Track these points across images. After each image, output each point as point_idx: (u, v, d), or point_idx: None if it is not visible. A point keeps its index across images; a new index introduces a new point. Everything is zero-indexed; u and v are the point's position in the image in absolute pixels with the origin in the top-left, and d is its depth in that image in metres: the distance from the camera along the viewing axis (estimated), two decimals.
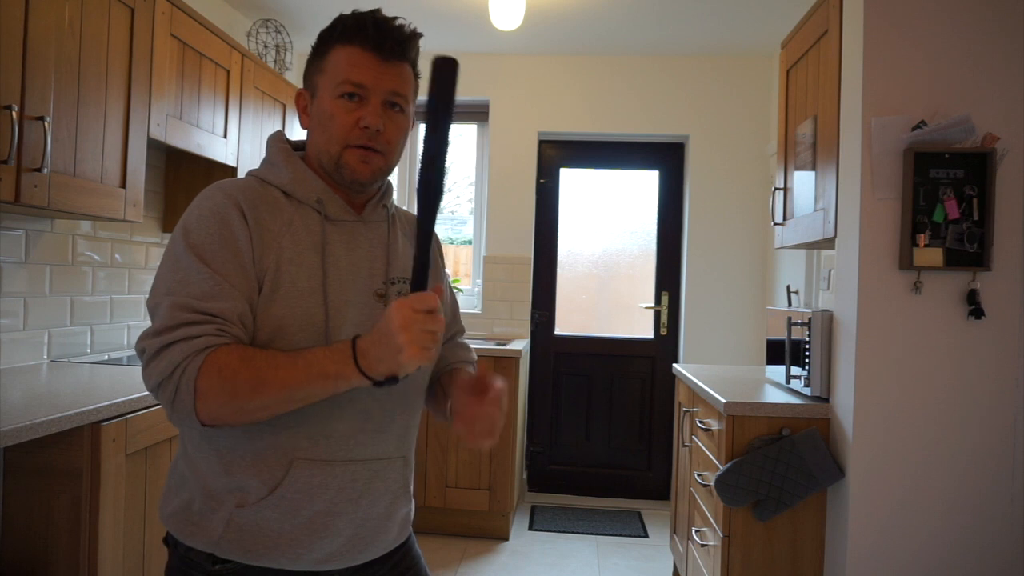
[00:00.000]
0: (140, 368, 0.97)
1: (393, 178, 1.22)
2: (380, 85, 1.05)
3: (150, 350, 0.93)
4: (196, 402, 0.91)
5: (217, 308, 0.95)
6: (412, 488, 1.18)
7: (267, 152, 1.13)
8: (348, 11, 1.08)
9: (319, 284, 1.03)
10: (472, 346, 1.37)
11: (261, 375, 0.92)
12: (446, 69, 0.92)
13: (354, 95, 1.04)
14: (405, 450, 1.14)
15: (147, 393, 1.87)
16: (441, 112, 0.92)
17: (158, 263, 2.89)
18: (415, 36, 1.08)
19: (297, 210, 1.06)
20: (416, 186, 0.94)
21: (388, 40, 1.04)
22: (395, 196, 1.25)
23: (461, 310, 3.04)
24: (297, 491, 1.01)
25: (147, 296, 1.01)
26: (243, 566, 1.01)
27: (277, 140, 1.13)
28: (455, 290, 1.29)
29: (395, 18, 1.06)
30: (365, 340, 0.91)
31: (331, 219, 1.08)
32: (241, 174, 2.92)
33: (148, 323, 0.98)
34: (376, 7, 1.08)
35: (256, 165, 3.36)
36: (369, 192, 1.14)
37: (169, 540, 1.08)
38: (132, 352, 2.73)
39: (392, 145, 1.08)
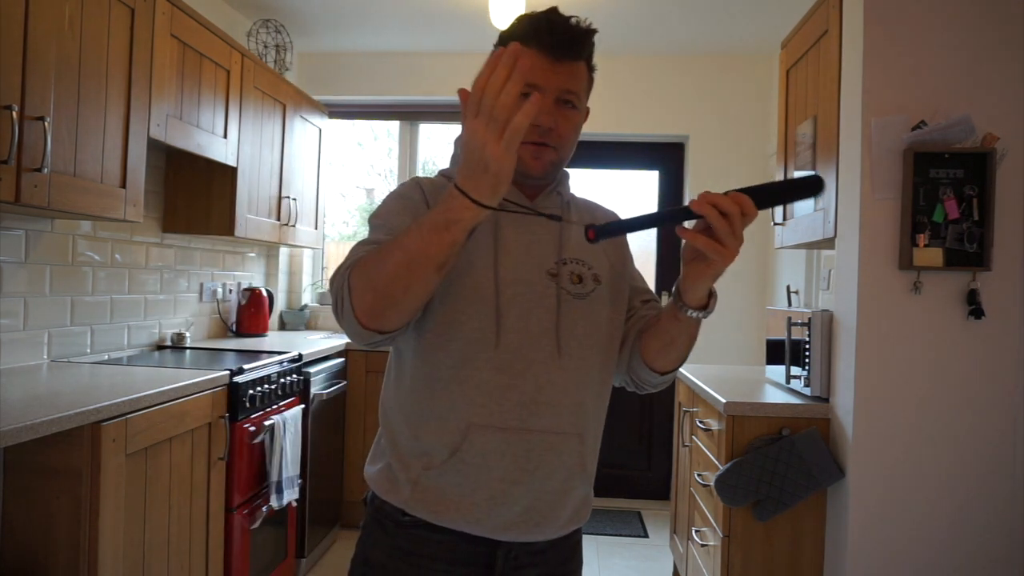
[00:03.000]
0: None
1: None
2: (552, 84, 1.07)
3: (334, 286, 1.01)
4: (352, 300, 0.96)
5: (385, 238, 1.02)
6: (592, 471, 1.19)
7: (454, 149, 1.20)
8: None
9: (491, 261, 1.08)
10: None
11: (384, 249, 0.95)
12: (810, 189, 0.99)
13: (527, 95, 1.04)
14: (581, 428, 1.14)
15: (147, 393, 1.88)
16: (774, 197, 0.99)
17: (158, 263, 2.91)
18: (589, 33, 1.10)
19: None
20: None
21: (561, 41, 1.07)
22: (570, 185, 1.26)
23: None
24: (475, 455, 1.06)
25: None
26: (430, 524, 1.08)
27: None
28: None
29: (570, 17, 1.09)
30: (457, 176, 0.87)
31: (504, 207, 1.11)
32: (241, 174, 2.93)
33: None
34: (552, 6, 1.11)
35: (255, 165, 3.36)
36: (544, 184, 1.18)
37: (367, 499, 1.17)
38: (132, 352, 2.73)
39: (564, 140, 1.11)
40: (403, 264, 0.91)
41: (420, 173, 4.29)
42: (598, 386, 1.17)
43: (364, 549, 1.15)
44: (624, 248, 1.33)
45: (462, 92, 0.94)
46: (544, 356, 1.09)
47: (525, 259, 1.11)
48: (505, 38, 1.11)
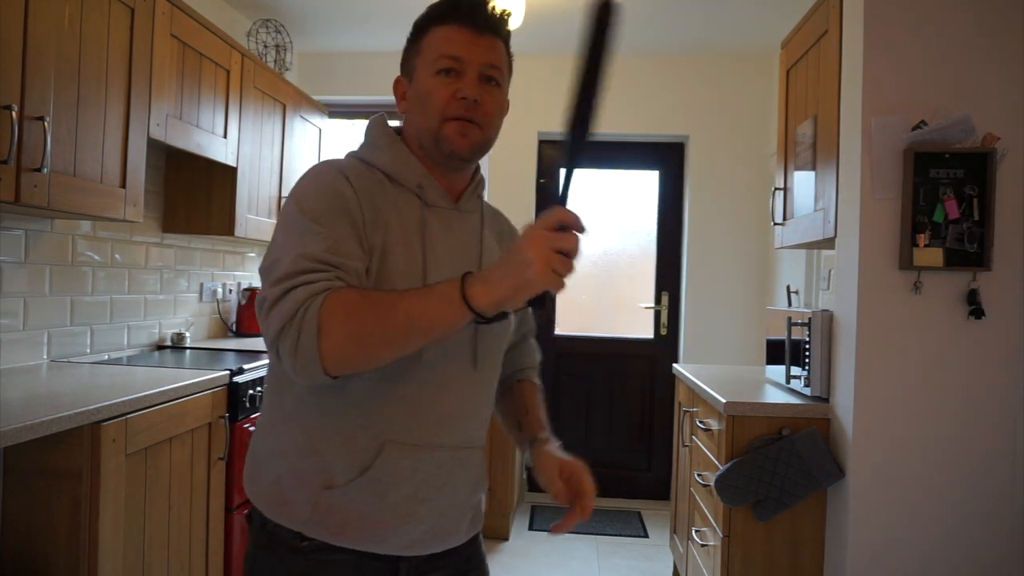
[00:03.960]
0: (262, 324, 0.94)
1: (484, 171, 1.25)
2: (476, 58, 1.06)
3: (271, 297, 0.92)
4: (320, 341, 0.88)
5: (336, 260, 0.95)
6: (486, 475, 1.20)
7: (368, 135, 1.14)
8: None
9: (419, 268, 1.04)
10: None
11: (384, 304, 0.91)
12: (604, 13, 0.88)
13: (451, 70, 1.06)
14: (484, 438, 1.16)
15: (147, 393, 1.87)
16: (600, 48, 0.88)
17: (158, 263, 2.91)
18: (506, 13, 1.11)
19: (399, 193, 1.08)
20: (573, 105, 0.89)
21: (481, 14, 1.07)
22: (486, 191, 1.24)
23: None
24: (386, 474, 1.01)
25: (260, 262, 1.01)
26: (330, 545, 1.02)
27: (381, 123, 1.14)
28: None
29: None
30: (489, 267, 0.90)
31: (430, 205, 1.09)
32: (241, 174, 2.93)
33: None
34: None
35: (255, 165, 3.35)
36: (465, 178, 1.15)
37: (254, 517, 1.08)
38: (132, 352, 2.73)
39: (490, 118, 1.08)
40: (403, 327, 0.90)
41: None
42: (493, 396, 1.19)
43: None
44: None
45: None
46: (462, 370, 1.08)
47: (449, 268, 1.06)
48: (422, 21, 1.10)
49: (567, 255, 0.86)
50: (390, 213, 1.04)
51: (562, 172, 0.93)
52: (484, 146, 1.10)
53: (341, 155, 1.14)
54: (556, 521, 1.12)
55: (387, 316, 0.90)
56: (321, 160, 1.10)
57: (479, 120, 1.07)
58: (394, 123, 1.17)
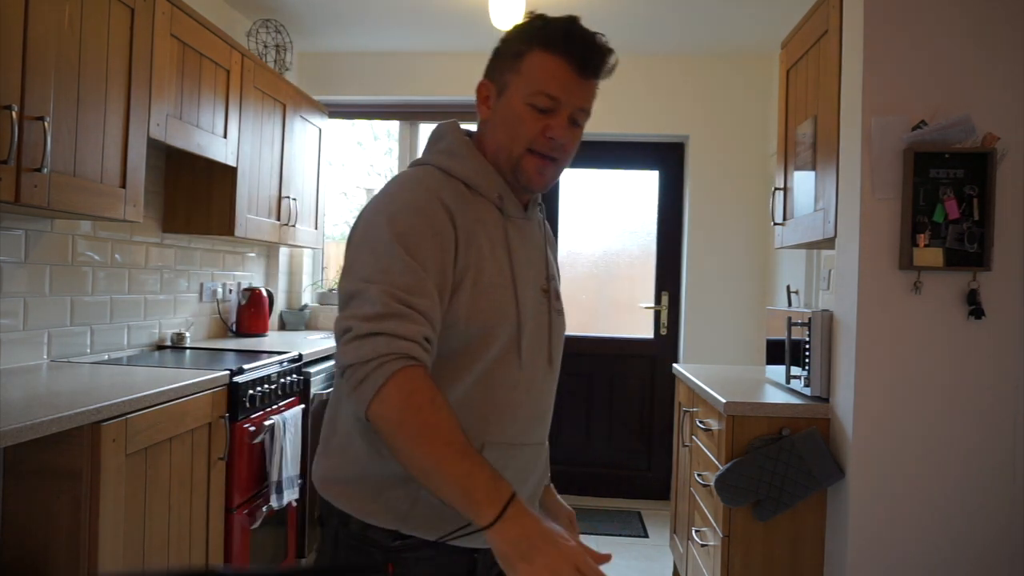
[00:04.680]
0: (336, 340, 0.96)
1: None
2: (572, 101, 1.06)
3: (358, 331, 0.92)
4: (372, 401, 0.90)
5: (423, 305, 0.95)
6: None
7: (443, 141, 1.13)
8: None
9: (509, 279, 1.06)
10: None
11: (432, 439, 0.89)
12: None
13: (546, 109, 1.05)
14: (546, 435, 1.20)
15: (147, 393, 1.87)
16: None
17: (158, 263, 2.91)
18: (611, 53, 1.08)
19: (480, 204, 1.08)
20: None
21: (592, 58, 1.05)
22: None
23: None
24: None
25: (339, 281, 1.01)
26: (423, 541, 1.03)
27: (457, 130, 1.14)
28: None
29: (597, 33, 1.07)
30: (526, 517, 0.87)
31: (508, 216, 1.10)
32: (241, 174, 2.93)
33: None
34: (572, 15, 1.07)
35: (255, 165, 3.34)
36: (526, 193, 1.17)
37: (333, 517, 1.08)
38: (132, 352, 2.73)
39: (568, 157, 1.10)
40: (422, 467, 0.90)
41: None
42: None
43: None
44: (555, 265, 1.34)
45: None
46: (542, 372, 1.12)
47: (527, 274, 1.10)
48: (529, 38, 1.06)
49: None
50: (478, 229, 1.05)
51: None
52: (555, 180, 1.13)
53: (402, 160, 1.14)
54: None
55: (424, 447, 0.89)
56: (408, 172, 1.08)
57: (560, 158, 1.08)
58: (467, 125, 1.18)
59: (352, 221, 1.23)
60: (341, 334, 0.95)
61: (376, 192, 1.09)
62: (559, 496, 1.32)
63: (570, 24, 1.06)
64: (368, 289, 0.94)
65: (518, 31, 1.09)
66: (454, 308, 1.01)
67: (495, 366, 1.04)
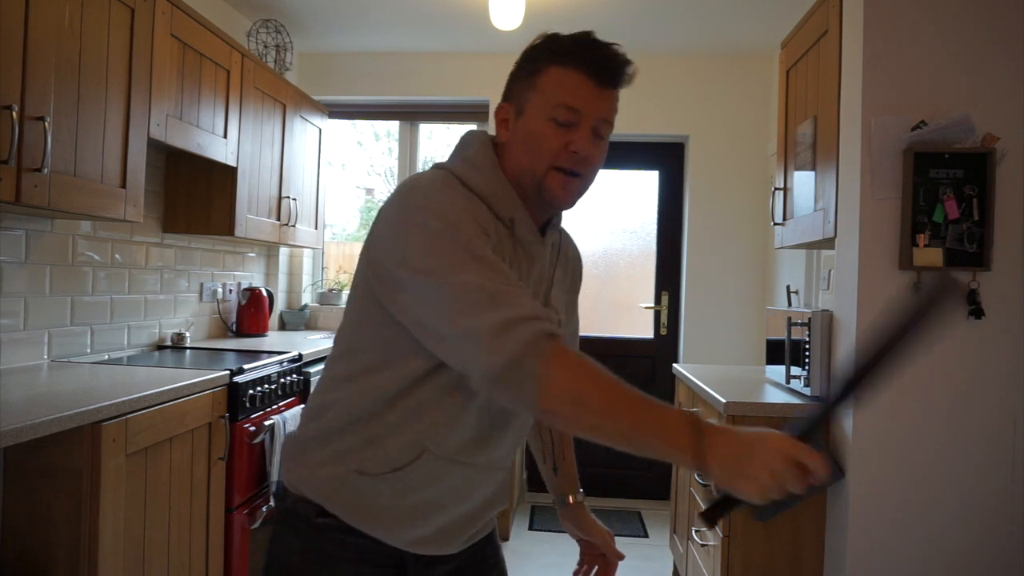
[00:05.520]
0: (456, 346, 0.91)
1: None
2: (593, 112, 1.03)
3: (479, 329, 0.87)
4: (538, 392, 0.87)
5: (512, 278, 0.94)
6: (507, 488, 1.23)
7: (468, 149, 1.11)
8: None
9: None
10: None
11: (617, 399, 0.87)
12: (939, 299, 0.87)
13: (568, 123, 1.03)
14: (513, 458, 1.19)
15: (147, 393, 1.87)
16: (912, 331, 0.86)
17: (158, 263, 2.91)
18: (630, 63, 1.07)
19: (494, 223, 1.05)
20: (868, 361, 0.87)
21: (609, 67, 1.04)
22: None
23: None
24: (415, 479, 1.04)
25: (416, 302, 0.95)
26: (345, 525, 1.05)
27: (484, 142, 1.11)
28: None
29: (612, 44, 1.06)
30: (721, 434, 0.86)
31: (517, 238, 1.08)
32: (241, 174, 2.93)
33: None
34: (587, 30, 1.07)
35: (255, 165, 3.33)
36: (550, 210, 1.13)
37: (279, 494, 1.13)
38: (132, 352, 2.73)
39: (593, 171, 1.07)
40: (619, 431, 0.88)
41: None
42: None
43: (279, 555, 1.10)
44: (576, 291, 1.31)
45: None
46: None
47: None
48: (544, 54, 1.05)
49: (798, 476, 0.87)
50: (493, 249, 1.02)
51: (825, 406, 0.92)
52: (581, 196, 1.10)
53: (423, 161, 1.12)
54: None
55: (614, 413, 0.88)
56: (430, 173, 1.06)
57: (583, 172, 1.05)
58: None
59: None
60: (463, 339, 0.89)
61: (393, 192, 1.05)
62: (592, 514, 1.33)
63: (585, 37, 1.05)
64: (449, 280, 0.90)
65: (533, 49, 1.08)
66: None
67: (455, 379, 1.00)
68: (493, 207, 1.05)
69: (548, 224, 1.14)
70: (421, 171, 1.11)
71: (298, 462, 1.10)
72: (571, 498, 1.34)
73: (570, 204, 1.08)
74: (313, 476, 1.07)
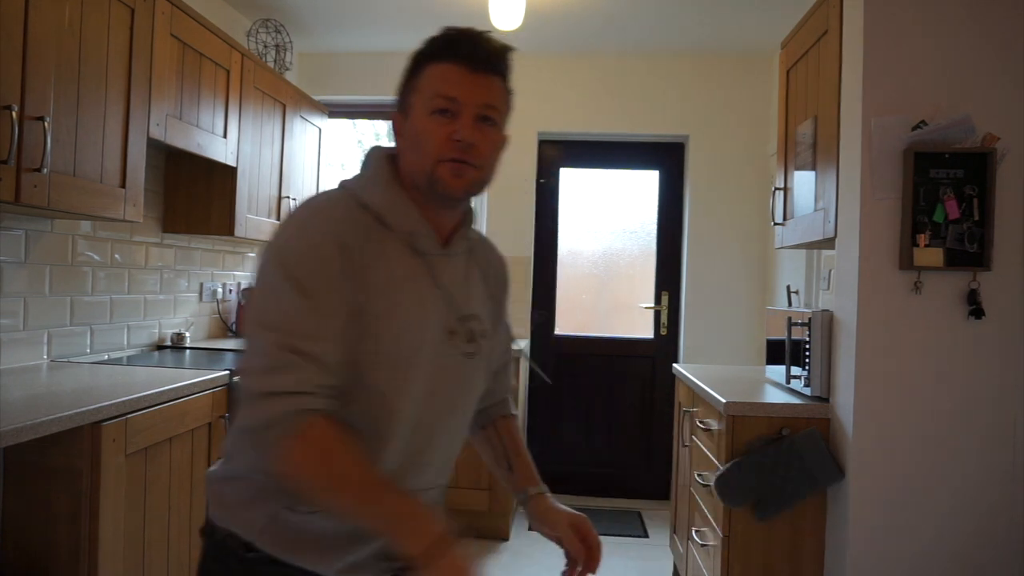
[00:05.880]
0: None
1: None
2: (472, 99, 1.04)
3: (251, 390, 0.95)
4: (278, 461, 0.94)
5: (318, 350, 0.95)
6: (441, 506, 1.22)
7: (367, 167, 1.11)
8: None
9: (413, 325, 1.03)
10: None
11: (345, 483, 0.95)
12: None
13: (447, 111, 1.03)
14: (445, 477, 1.18)
15: (147, 393, 1.88)
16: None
17: (158, 263, 2.91)
18: (506, 49, 1.07)
19: (388, 238, 1.04)
20: None
21: (479, 53, 1.05)
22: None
23: None
24: None
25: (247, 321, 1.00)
26: (274, 559, 1.04)
27: (381, 158, 1.11)
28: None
29: (486, 32, 1.06)
30: (448, 554, 0.92)
31: (421, 253, 1.07)
32: (241, 174, 2.93)
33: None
34: (469, 27, 1.08)
35: (255, 165, 3.33)
36: (456, 216, 1.12)
37: (207, 528, 1.09)
38: (132, 352, 2.73)
39: (486, 159, 1.06)
40: (344, 509, 0.96)
41: None
42: (465, 436, 1.21)
43: None
44: (503, 297, 1.29)
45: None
46: (439, 417, 1.09)
47: (432, 316, 1.06)
48: (420, 57, 1.08)
49: None
50: (378, 265, 1.01)
51: None
52: (479, 185, 1.08)
53: (338, 176, 1.12)
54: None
55: (343, 491, 0.95)
56: (320, 197, 1.07)
57: (474, 162, 1.05)
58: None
59: None
60: (241, 387, 0.97)
61: (288, 217, 1.06)
62: (558, 504, 1.26)
63: (455, 32, 1.07)
64: (262, 338, 0.95)
65: (413, 55, 1.10)
66: (348, 339, 0.99)
67: (378, 399, 1.01)
68: (389, 222, 1.05)
69: (455, 232, 1.12)
70: (324, 191, 1.11)
71: (224, 500, 1.08)
72: (530, 490, 1.27)
73: (465, 193, 1.07)
74: (243, 513, 1.05)
